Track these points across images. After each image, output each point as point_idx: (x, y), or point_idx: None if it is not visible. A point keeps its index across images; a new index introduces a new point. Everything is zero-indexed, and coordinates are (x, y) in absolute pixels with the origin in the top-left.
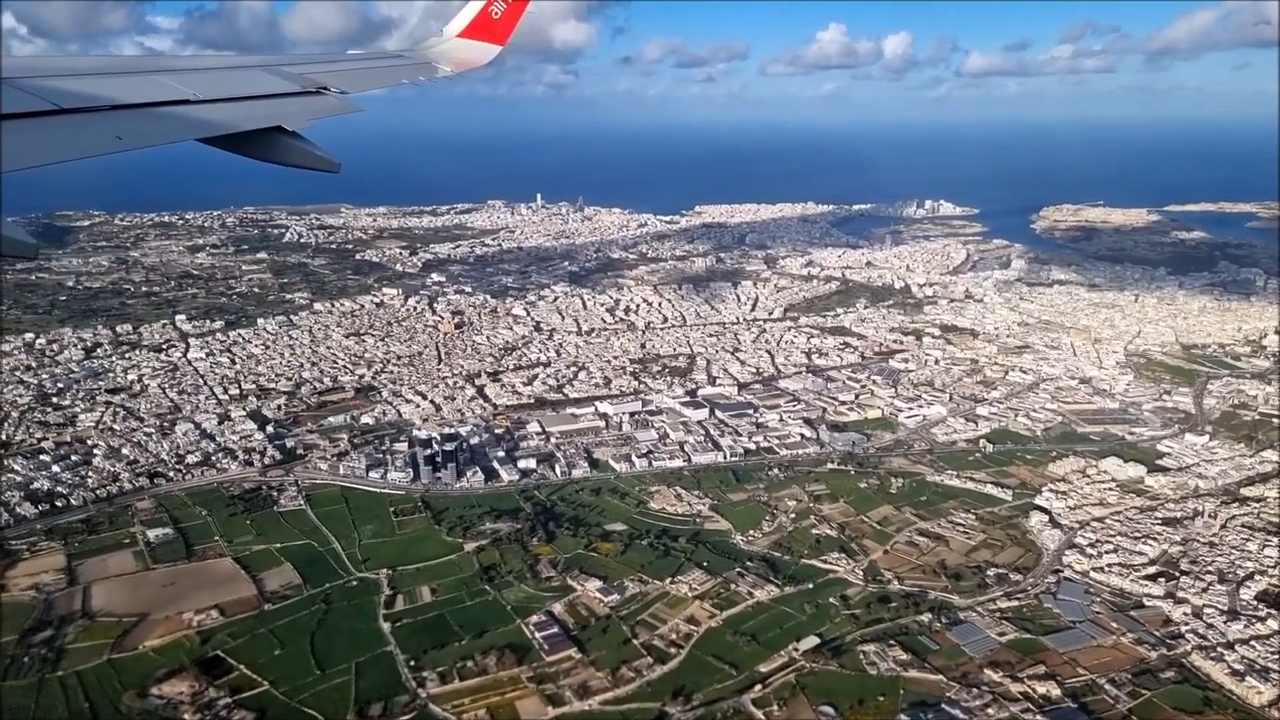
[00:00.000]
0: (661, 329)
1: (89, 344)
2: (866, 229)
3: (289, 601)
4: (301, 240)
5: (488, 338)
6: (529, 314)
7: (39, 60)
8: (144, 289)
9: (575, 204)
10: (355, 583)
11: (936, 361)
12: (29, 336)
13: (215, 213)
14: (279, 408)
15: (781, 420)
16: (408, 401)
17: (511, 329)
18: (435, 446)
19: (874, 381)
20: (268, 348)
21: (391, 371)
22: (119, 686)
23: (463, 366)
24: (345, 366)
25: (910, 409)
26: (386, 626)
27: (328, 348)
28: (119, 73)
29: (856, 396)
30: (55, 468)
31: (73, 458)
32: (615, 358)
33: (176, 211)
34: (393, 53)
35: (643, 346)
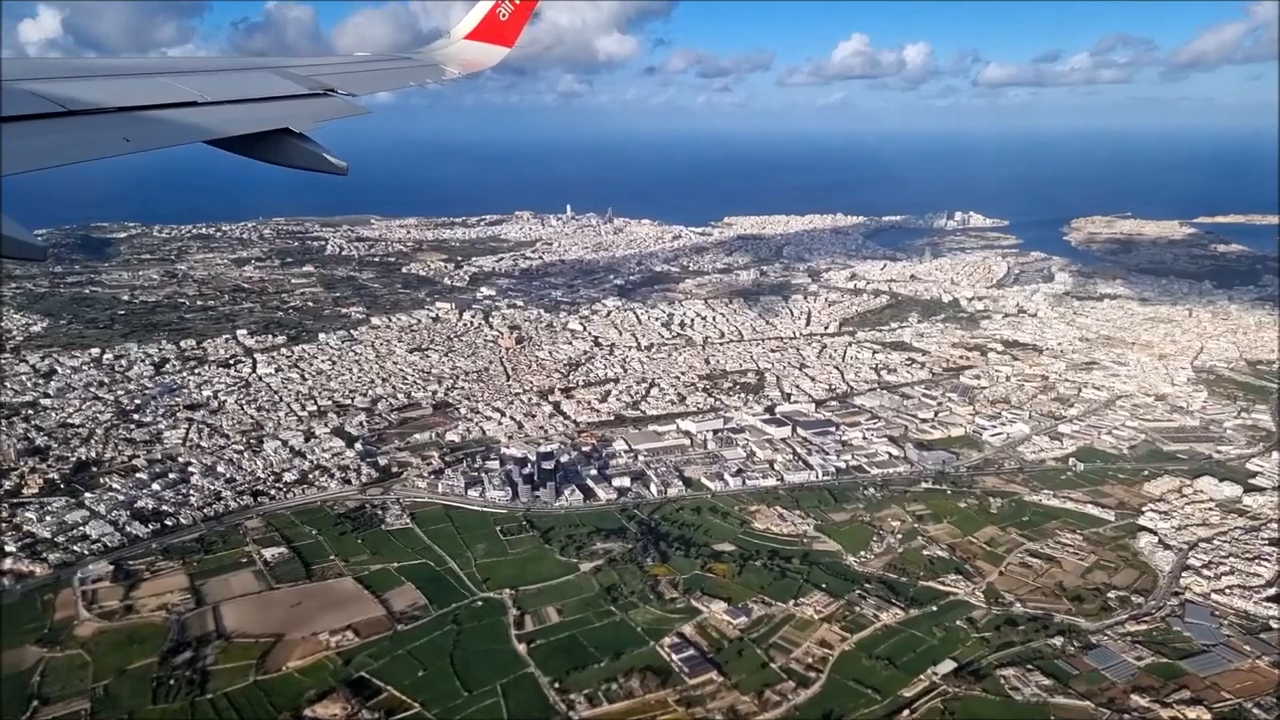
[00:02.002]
0: (720, 344)
1: (156, 359)
2: (900, 241)
3: (420, 622)
4: (343, 253)
5: (549, 353)
6: (585, 329)
7: (46, 62)
8: (198, 303)
9: (604, 215)
10: (480, 603)
11: (1007, 378)
12: (94, 351)
13: (249, 224)
14: (361, 424)
15: (865, 438)
16: (487, 419)
17: (571, 344)
18: (531, 465)
19: (950, 399)
20: (334, 363)
21: (462, 388)
22: (272, 709)
23: (532, 382)
24: (416, 382)
25: (993, 427)
26: (522, 648)
27: (393, 363)
28: (126, 74)
29: (936, 414)
30: (155, 485)
31: (170, 475)
32: (683, 374)
33: (212, 223)
34: (400, 55)
35: (707, 362)
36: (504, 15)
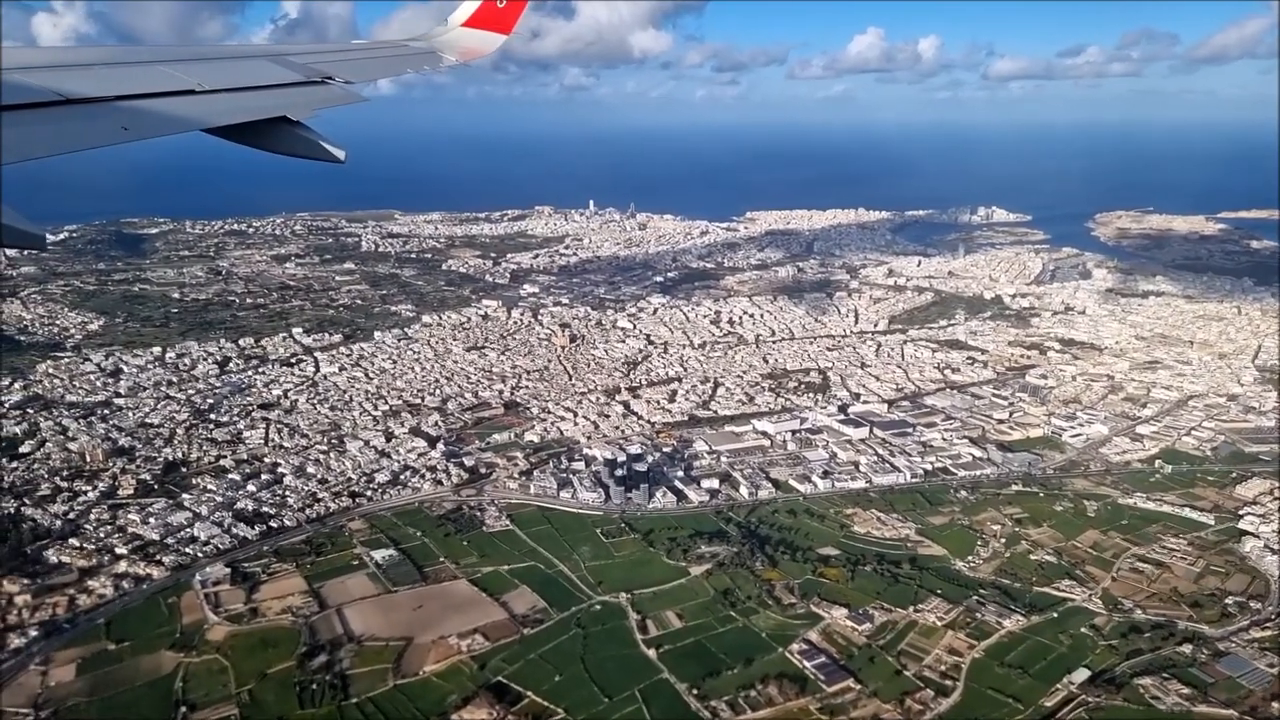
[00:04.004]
0: (774, 342)
1: (218, 357)
2: (928, 236)
3: (544, 626)
4: (379, 250)
5: (605, 351)
6: (635, 326)
7: (44, 51)
8: (248, 300)
9: (625, 210)
10: (598, 606)
11: (1073, 378)
12: (156, 350)
13: (277, 219)
14: (437, 424)
15: (945, 439)
16: (561, 419)
17: (625, 342)
18: (621, 466)
19: (1021, 399)
20: (395, 362)
21: (527, 387)
22: (418, 713)
23: (595, 382)
24: (480, 381)
25: (1071, 427)
26: (651, 653)
27: (453, 362)
28: (124, 63)
29: (1010, 414)
30: (250, 486)
31: (262, 476)
32: (744, 372)
33: (242, 219)
34: (397, 42)
35: (766, 360)
36: (501, 2)
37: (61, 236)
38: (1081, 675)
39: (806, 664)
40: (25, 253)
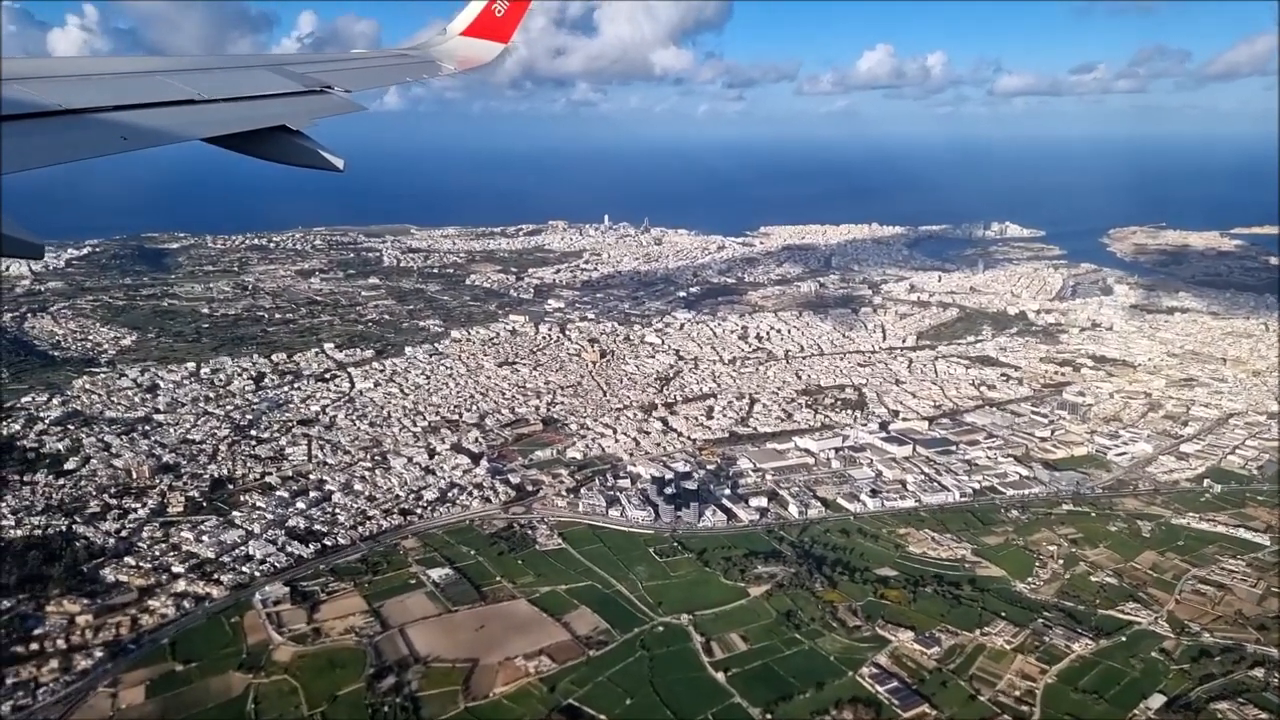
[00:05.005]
0: (803, 358)
1: (253, 373)
2: (944, 251)
3: (609, 647)
4: (400, 264)
5: (636, 367)
6: (663, 342)
7: (43, 61)
8: (277, 316)
9: (639, 225)
10: (661, 628)
11: (1110, 395)
12: (191, 365)
13: (296, 233)
14: (477, 440)
15: (990, 458)
16: (601, 435)
17: (654, 357)
18: (670, 484)
19: (1061, 416)
20: (428, 377)
21: (563, 403)
22: None
23: (629, 397)
24: (516, 397)
25: (1115, 446)
26: (720, 676)
27: (486, 377)
28: (124, 73)
29: (1053, 432)
30: (299, 504)
31: (311, 494)
32: (779, 389)
33: (262, 233)
34: (396, 51)
35: (799, 376)
36: (499, 11)
37: (85, 251)
38: (1157, 701)
39: (879, 688)
40: (49, 266)
